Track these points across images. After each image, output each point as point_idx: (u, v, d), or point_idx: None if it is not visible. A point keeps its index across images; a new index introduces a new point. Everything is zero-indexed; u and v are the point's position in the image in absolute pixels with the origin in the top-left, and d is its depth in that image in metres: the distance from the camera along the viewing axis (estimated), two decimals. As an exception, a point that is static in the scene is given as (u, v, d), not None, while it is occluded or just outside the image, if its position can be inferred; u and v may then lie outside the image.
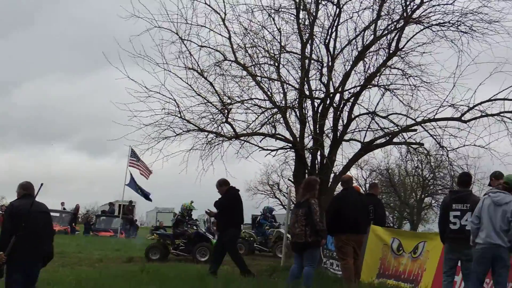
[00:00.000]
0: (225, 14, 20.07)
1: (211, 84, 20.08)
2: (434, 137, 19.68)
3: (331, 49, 20.58)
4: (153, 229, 28.94)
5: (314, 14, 20.45)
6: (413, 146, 20.60)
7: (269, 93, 20.41)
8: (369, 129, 20.41)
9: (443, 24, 19.49)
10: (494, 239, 10.34)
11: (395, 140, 20.49)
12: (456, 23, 19.24)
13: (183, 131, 19.94)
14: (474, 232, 10.64)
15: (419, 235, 16.78)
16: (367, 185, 43.54)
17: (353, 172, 37.56)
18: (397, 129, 19.94)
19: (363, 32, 20.23)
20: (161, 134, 19.67)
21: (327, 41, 20.58)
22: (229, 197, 16.62)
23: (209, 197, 18.96)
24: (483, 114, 18.77)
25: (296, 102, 20.56)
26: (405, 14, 19.64)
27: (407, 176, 48.47)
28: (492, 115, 18.62)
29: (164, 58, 19.54)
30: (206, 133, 20.13)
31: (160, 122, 19.70)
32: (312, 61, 20.78)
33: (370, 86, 20.46)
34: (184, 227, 23.38)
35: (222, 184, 16.75)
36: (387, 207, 51.51)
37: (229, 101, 20.31)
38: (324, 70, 20.74)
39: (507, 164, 18.00)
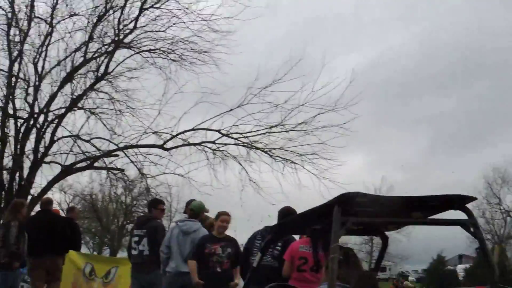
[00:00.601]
0: None
1: None
2: (135, 163, 19.25)
3: (40, 69, 19.31)
4: None
5: (25, 31, 19.12)
6: (114, 171, 19.89)
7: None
8: (71, 152, 19.39)
9: (153, 51, 19.25)
10: (183, 267, 9.81)
11: (96, 164, 19.66)
12: (167, 50, 19.13)
13: None
14: (164, 261, 10.09)
15: (112, 260, 16.08)
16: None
17: (56, 196, 35.96)
18: (99, 154, 19.16)
19: (73, 54, 19.25)
20: None
21: (36, 60, 19.28)
22: None
23: None
24: (185, 143, 18.77)
25: (-2, 121, 18.86)
26: (116, 38, 19.04)
27: (110, 202, 47.54)
28: (194, 144, 18.72)
29: None
30: None
31: None
32: (19, 80, 19.33)
33: (76, 108, 19.47)
34: None
35: None
36: (89, 232, 50.04)
37: None
38: (31, 90, 19.35)
39: (204, 194, 17.85)
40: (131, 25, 19.32)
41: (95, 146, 19.36)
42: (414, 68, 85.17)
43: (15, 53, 19.19)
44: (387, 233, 6.04)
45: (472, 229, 4.84)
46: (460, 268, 50.08)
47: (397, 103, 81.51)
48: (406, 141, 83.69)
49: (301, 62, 18.24)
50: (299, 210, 7.59)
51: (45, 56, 19.40)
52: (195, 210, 10.27)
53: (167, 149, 18.89)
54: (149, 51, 19.34)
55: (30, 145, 19.16)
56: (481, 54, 79.76)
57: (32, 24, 19.26)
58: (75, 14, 19.13)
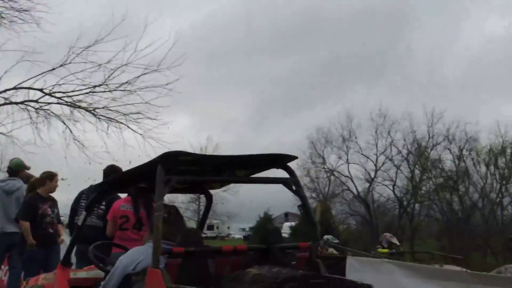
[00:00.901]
0: None
1: None
2: None
3: None
4: None
5: None
6: None
7: None
8: None
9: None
10: (9, 228, 9.42)
11: None
12: (-15, 9, 17.94)
13: None
14: None
15: None
16: None
17: None
18: None
19: None
20: None
21: None
22: None
23: None
24: (7, 101, 17.94)
25: None
26: None
27: None
28: (16, 103, 17.92)
29: None
30: None
31: None
32: None
33: None
34: None
35: None
36: None
37: None
38: None
39: (28, 153, 17.11)
40: None
41: None
42: (245, 31, 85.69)
43: None
44: (212, 191, 6.02)
45: (293, 187, 4.88)
46: (286, 226, 51.56)
47: (227, 65, 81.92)
48: (234, 103, 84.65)
49: (124, 23, 17.98)
50: (125, 169, 7.43)
51: None
52: (12, 168, 9.96)
53: (-12, 108, 17.93)
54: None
55: None
56: (315, 18, 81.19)
57: None
58: None
